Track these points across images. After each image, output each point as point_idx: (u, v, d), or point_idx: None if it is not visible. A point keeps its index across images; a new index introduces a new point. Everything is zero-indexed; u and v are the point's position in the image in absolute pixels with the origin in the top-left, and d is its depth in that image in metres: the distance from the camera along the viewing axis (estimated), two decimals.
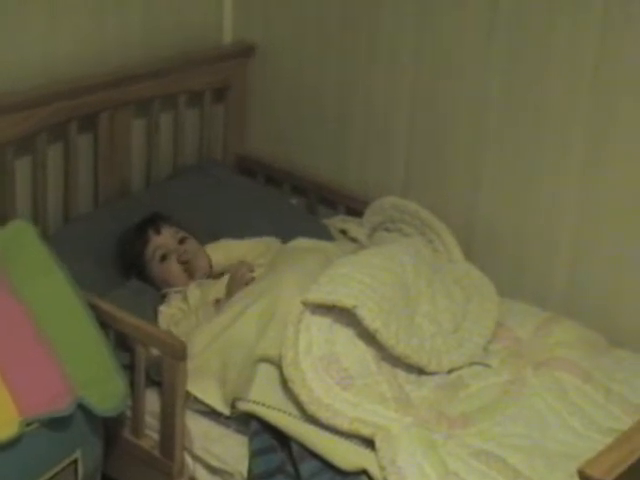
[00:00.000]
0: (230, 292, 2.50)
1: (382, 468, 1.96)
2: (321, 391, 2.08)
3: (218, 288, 2.55)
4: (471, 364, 2.30)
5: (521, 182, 2.61)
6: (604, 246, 2.51)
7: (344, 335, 2.19)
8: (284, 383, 2.13)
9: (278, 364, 2.15)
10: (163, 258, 2.61)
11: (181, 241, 2.64)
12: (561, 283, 2.59)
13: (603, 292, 2.53)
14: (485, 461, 1.97)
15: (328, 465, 2.01)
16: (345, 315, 2.18)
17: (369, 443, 2.03)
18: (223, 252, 2.69)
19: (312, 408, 2.06)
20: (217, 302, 2.50)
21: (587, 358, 2.32)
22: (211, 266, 2.64)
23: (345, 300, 2.16)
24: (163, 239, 2.63)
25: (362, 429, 2.03)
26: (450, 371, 2.26)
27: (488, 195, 2.68)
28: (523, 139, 2.58)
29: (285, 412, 2.11)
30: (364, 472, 1.99)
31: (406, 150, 2.82)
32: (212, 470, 2.21)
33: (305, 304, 2.20)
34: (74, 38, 2.71)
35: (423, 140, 2.77)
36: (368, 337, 2.18)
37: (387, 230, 2.73)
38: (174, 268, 2.60)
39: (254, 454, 2.09)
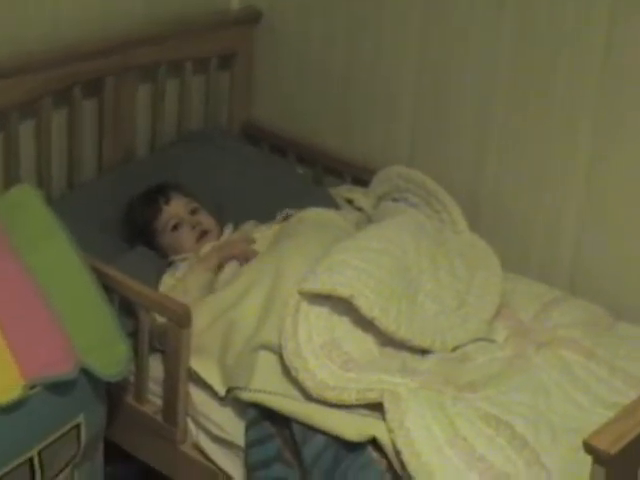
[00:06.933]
0: (223, 254, 2.48)
1: (390, 431, 1.93)
2: (325, 374, 2.06)
3: None
4: (475, 340, 2.28)
5: (528, 156, 2.59)
6: (611, 221, 2.49)
7: (344, 322, 2.16)
8: (286, 370, 2.10)
9: (279, 352, 2.12)
10: (175, 227, 2.59)
11: (193, 212, 2.62)
12: (567, 257, 2.58)
13: (609, 266, 2.51)
14: (495, 426, 1.95)
15: (333, 441, 1.98)
16: (343, 302, 2.15)
17: (377, 413, 2.00)
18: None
19: (317, 391, 2.04)
20: (219, 268, 2.47)
21: (588, 337, 2.29)
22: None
23: (341, 290, 2.13)
24: (175, 209, 2.60)
25: (369, 395, 2.01)
26: (454, 349, 2.24)
27: (494, 169, 2.65)
28: (531, 110, 2.56)
29: (288, 396, 2.07)
30: (371, 442, 1.97)
31: (412, 120, 2.79)
32: (213, 438, 2.21)
33: (301, 293, 2.18)
34: (79, 1, 2.67)
35: (429, 111, 2.75)
36: (368, 323, 2.15)
37: (394, 199, 2.70)
38: (186, 236, 2.58)
39: (250, 445, 2.06)
